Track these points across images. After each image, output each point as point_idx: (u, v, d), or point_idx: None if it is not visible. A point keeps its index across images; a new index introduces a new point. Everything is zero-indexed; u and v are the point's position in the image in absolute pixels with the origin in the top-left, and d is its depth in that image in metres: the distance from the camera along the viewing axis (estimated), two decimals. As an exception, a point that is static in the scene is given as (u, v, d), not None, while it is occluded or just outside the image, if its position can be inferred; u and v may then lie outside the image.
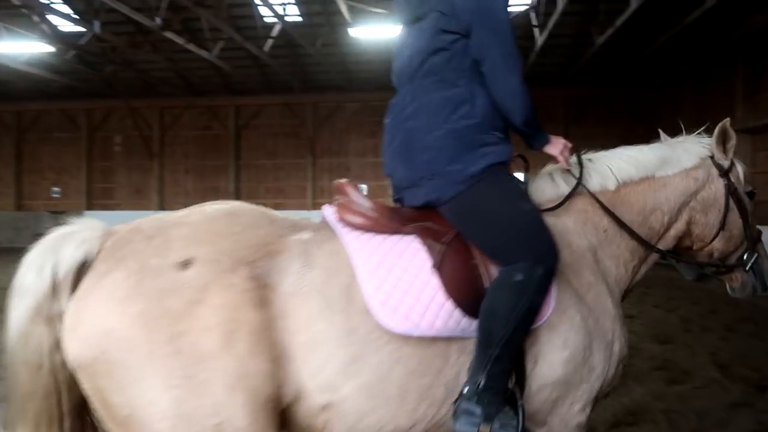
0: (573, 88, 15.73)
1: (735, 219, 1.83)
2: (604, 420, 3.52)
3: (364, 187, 16.99)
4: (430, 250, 1.51)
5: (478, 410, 1.41)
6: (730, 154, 1.85)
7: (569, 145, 1.73)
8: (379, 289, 1.43)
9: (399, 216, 1.60)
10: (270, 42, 12.47)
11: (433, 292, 1.46)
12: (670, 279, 9.89)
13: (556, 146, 1.71)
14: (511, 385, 1.46)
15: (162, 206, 17.09)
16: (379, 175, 17.05)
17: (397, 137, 1.67)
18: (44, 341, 1.33)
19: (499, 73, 1.55)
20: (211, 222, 1.46)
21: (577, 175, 1.73)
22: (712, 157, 1.86)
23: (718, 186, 1.83)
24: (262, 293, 1.36)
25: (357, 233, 1.57)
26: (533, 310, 1.45)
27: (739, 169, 1.88)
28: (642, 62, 13.47)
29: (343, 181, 1.71)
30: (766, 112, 9.38)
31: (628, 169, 1.81)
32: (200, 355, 1.27)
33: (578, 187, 1.71)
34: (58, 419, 1.36)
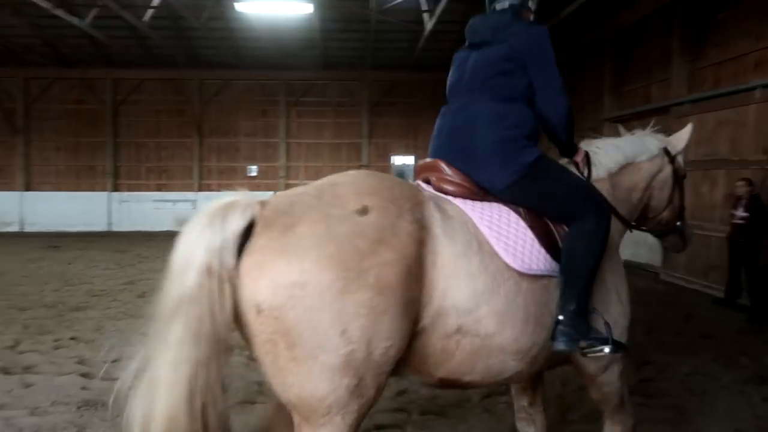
0: (461, 73, 17.00)
1: (677, 194, 2.56)
2: (479, 390, 3.74)
3: (254, 168, 17.46)
4: (516, 212, 2.00)
5: (574, 331, 1.89)
6: (679, 148, 2.58)
7: (585, 154, 2.35)
8: (499, 239, 1.87)
9: (478, 188, 2.05)
10: (150, 12, 12.48)
11: (531, 242, 1.94)
12: None
13: (580, 155, 2.33)
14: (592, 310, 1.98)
15: (28, 186, 16.63)
16: (270, 155, 17.51)
17: (458, 135, 2.09)
18: (213, 292, 1.55)
19: (552, 100, 2.07)
20: (365, 179, 1.82)
21: (586, 172, 2.33)
22: (665, 148, 2.54)
23: (668, 170, 2.53)
24: (420, 234, 1.69)
25: (459, 199, 1.99)
26: (602, 251, 1.98)
27: (680, 158, 2.57)
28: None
29: (433, 159, 2.12)
30: (630, 103, 10.77)
31: (617, 158, 2.43)
32: (382, 287, 1.54)
33: (590, 179, 2.31)
34: (211, 363, 1.58)
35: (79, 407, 3.64)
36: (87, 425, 3.40)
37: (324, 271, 1.54)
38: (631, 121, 9.52)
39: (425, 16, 12.67)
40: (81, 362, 4.54)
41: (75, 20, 12.01)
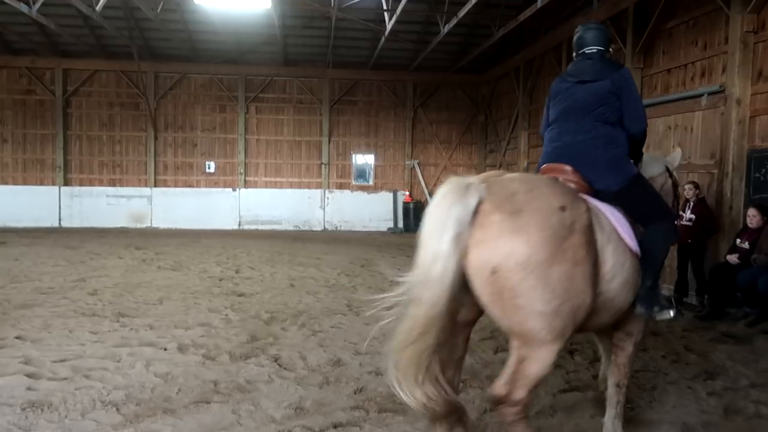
0: (422, 72, 17.15)
1: (673, 200, 3.41)
2: None
3: (211, 164, 17.14)
4: (618, 210, 2.70)
5: (650, 300, 2.69)
6: (674, 166, 3.49)
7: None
8: (621, 227, 2.57)
9: (594, 190, 2.82)
10: (102, 1, 12.15)
11: (633, 231, 2.67)
12: None
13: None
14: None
15: (-29, 178, 15.93)
16: (228, 152, 17.23)
17: (581, 148, 2.84)
18: (455, 259, 2.14)
19: (637, 120, 2.91)
20: (555, 184, 2.49)
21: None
22: (666, 166, 3.39)
23: (669, 182, 3.37)
24: (590, 224, 2.39)
25: (586, 196, 2.68)
26: (671, 245, 2.87)
27: (675, 173, 3.46)
28: (483, 53, 15.06)
29: (558, 163, 2.85)
30: None
31: (650, 172, 3.25)
32: (576, 261, 2.25)
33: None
34: (447, 324, 2.22)
35: (23, 408, 3.50)
36: (32, 427, 3.27)
37: (543, 248, 2.20)
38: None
39: (386, 15, 12.69)
40: (26, 362, 4.36)
41: (23, 7, 11.55)
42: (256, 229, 16.54)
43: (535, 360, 2.30)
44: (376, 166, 17.70)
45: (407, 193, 17.30)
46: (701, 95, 7.50)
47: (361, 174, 17.81)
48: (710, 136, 7.40)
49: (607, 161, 2.82)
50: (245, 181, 17.13)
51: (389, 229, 17.00)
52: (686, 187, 6.92)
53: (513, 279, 2.18)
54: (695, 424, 3.51)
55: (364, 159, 17.76)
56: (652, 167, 3.33)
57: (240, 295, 7.19)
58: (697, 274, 6.81)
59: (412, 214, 16.81)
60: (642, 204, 2.81)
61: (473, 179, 2.34)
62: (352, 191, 17.39)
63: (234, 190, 16.89)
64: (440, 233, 2.18)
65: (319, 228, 17.02)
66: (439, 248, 2.17)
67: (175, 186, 16.92)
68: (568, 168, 2.83)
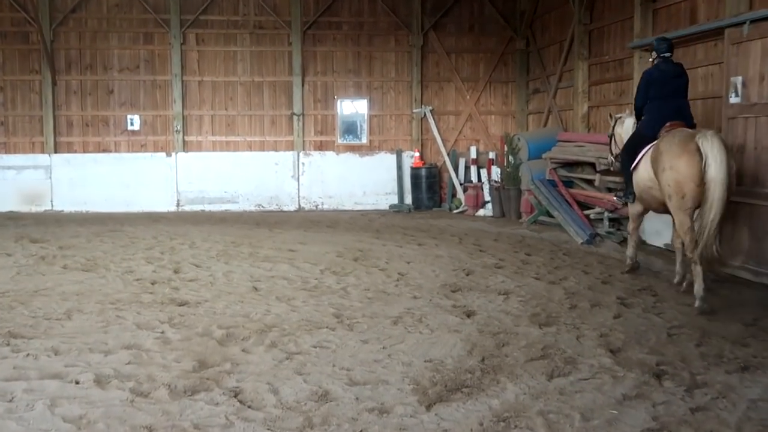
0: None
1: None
2: (468, 427, 4.02)
3: (135, 118, 17.02)
4: None
5: None
6: (612, 121, 9.43)
7: None
8: None
9: None
10: None
11: None
12: (556, 242, 11.22)
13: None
14: None
15: None
16: (159, 101, 17.01)
17: (682, 111, 8.14)
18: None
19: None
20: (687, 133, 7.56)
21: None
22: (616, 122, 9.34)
23: (618, 131, 9.22)
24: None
25: None
26: None
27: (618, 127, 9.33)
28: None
29: (677, 121, 8.03)
30: (668, 23, 10.97)
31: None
32: (678, 170, 7.27)
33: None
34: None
35: None
36: None
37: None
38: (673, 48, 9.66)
39: None
40: None
41: None
42: (202, 211, 16.60)
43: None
44: (371, 118, 17.67)
45: (417, 154, 17.29)
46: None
47: (350, 129, 17.76)
48: None
49: (691, 119, 8.11)
50: (184, 142, 17.15)
51: (392, 206, 16.99)
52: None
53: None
54: None
55: (354, 107, 17.72)
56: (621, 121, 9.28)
57: (181, 304, 7.19)
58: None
59: (425, 185, 16.86)
60: None
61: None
62: (337, 153, 17.41)
63: (169, 155, 16.87)
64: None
65: (293, 207, 17.09)
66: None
67: (84, 151, 16.92)
68: (682, 123, 7.88)
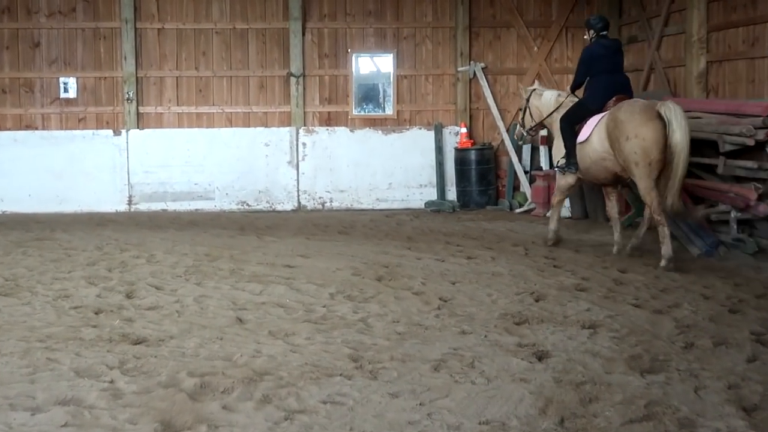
0: None
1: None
2: None
3: (70, 82, 17.07)
4: None
5: None
6: (526, 94, 13.19)
7: None
8: None
9: None
10: None
11: None
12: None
13: None
14: None
15: None
16: (104, 57, 17.09)
17: (626, 86, 11.78)
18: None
19: None
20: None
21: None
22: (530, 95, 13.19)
23: (535, 103, 12.98)
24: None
25: None
26: None
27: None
28: None
29: (622, 94, 11.59)
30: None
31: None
32: (644, 138, 10.43)
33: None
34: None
35: None
36: None
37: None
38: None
39: None
40: None
41: None
42: (164, 211, 16.72)
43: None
44: (399, 79, 17.75)
45: (463, 130, 17.30)
46: None
47: (370, 96, 17.78)
48: None
49: (632, 93, 11.87)
50: (138, 115, 17.28)
51: (429, 204, 16.95)
52: None
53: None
54: None
55: (374, 65, 17.83)
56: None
57: (137, 341, 7.18)
58: None
59: (476, 174, 16.95)
60: None
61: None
62: (352, 130, 17.53)
63: (117, 133, 17.06)
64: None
65: (289, 205, 17.23)
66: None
67: (12, 129, 17.10)
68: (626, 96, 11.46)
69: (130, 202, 16.91)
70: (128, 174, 16.94)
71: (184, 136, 17.16)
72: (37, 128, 17.13)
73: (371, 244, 12.38)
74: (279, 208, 17.00)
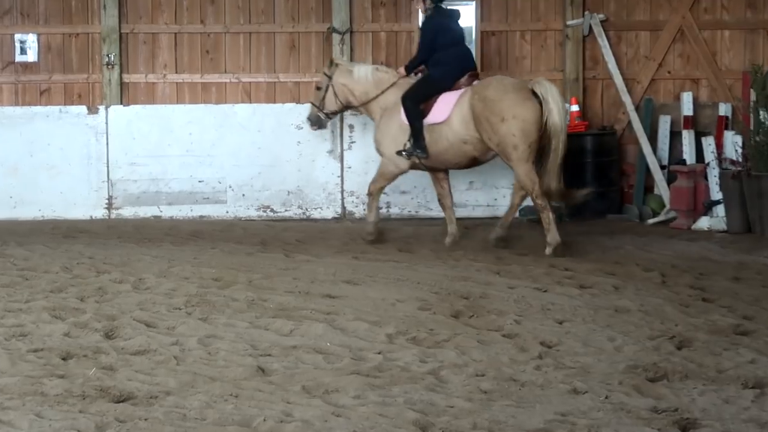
0: None
1: None
2: None
3: (29, 40, 17.27)
4: None
5: None
6: (330, 69, 15.57)
7: None
8: None
9: None
10: None
11: None
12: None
13: None
14: None
15: None
16: (76, 11, 17.33)
17: (469, 60, 14.94)
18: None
19: None
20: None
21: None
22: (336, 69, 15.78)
23: (343, 81, 15.57)
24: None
25: None
26: None
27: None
28: None
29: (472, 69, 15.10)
30: None
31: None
32: (524, 119, 13.60)
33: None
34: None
35: None
36: None
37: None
38: None
39: None
40: None
41: None
42: (156, 218, 17.05)
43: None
44: (484, 36, 18.02)
45: (574, 108, 17.27)
46: None
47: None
48: None
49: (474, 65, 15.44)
50: (122, 85, 17.56)
51: (524, 210, 16.90)
52: None
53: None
54: None
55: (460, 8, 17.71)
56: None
57: (121, 399, 7.18)
58: None
59: (591, 169, 17.06)
60: None
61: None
62: (417, 107, 17.38)
63: (93, 111, 17.20)
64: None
65: (330, 211, 17.51)
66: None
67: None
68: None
69: (109, 206, 17.14)
70: (108, 167, 17.21)
71: (185, 115, 17.40)
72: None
73: (444, 267, 12.42)
74: (315, 215, 17.17)
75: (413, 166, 14.31)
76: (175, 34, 17.55)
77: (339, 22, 17.41)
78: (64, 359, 8.26)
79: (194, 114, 17.25)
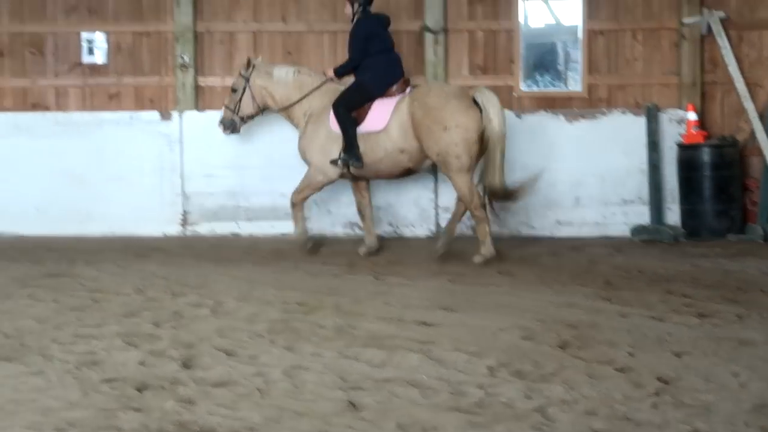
0: None
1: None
2: None
3: (96, 40, 17.47)
4: None
5: None
6: (246, 71, 16.21)
7: None
8: None
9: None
10: None
11: None
12: None
13: None
14: None
15: None
16: (147, 8, 17.50)
17: (400, 66, 15.82)
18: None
19: None
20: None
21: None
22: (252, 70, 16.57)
23: (263, 83, 16.46)
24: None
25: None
26: None
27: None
28: None
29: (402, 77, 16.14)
30: None
31: None
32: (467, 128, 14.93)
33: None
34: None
35: None
36: None
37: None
38: None
39: None
40: None
41: None
42: (234, 235, 17.29)
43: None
44: (591, 36, 17.93)
45: (692, 116, 17.19)
46: None
47: (546, 61, 17.85)
48: None
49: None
50: (197, 89, 17.81)
51: (637, 230, 16.90)
52: None
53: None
54: None
55: (552, 14, 18.17)
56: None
57: (200, 435, 7.28)
58: None
59: (710, 185, 16.94)
60: None
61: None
62: (518, 114, 17.72)
63: (166, 116, 17.61)
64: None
65: (423, 228, 17.66)
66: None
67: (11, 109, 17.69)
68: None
69: (184, 222, 17.46)
70: (182, 179, 17.49)
71: (266, 121, 17.38)
72: (48, 108, 17.70)
73: (550, 292, 12.43)
74: (407, 232, 17.39)
75: (341, 175, 15.16)
76: (254, 33, 17.68)
77: (433, 20, 17.49)
78: (139, 390, 8.30)
79: (276, 121, 17.27)
